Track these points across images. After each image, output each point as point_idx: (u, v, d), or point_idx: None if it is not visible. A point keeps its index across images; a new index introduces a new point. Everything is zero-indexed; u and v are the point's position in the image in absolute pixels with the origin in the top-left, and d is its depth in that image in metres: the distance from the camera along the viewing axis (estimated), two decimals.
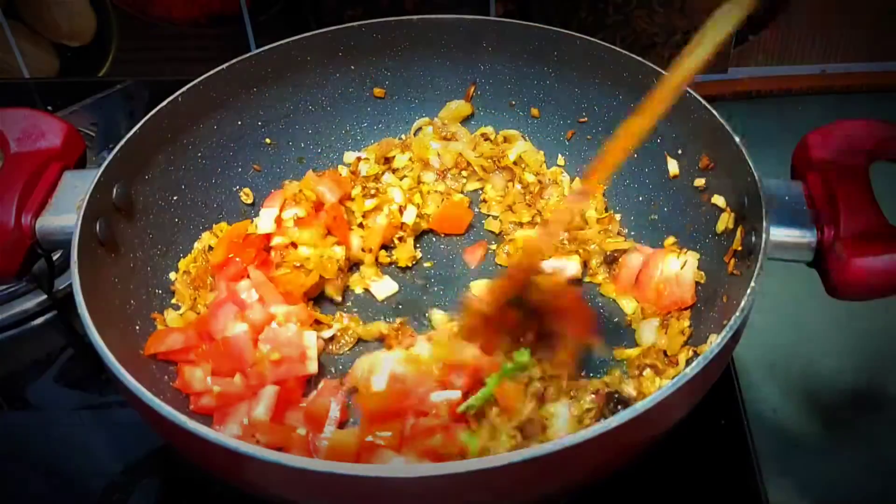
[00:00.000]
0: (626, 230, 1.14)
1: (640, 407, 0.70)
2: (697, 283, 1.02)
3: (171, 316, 1.03)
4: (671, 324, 1.00)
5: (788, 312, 1.13)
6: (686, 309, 1.02)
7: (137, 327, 0.98)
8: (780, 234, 0.88)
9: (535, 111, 1.23)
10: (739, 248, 0.94)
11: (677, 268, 1.02)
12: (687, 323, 1.00)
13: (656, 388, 0.93)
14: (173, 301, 1.06)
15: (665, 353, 0.98)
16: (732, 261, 0.95)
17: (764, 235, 0.86)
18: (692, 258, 1.02)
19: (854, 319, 1.12)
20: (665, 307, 1.02)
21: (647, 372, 0.96)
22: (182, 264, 1.08)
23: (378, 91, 1.24)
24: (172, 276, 1.07)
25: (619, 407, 0.89)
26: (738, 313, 0.79)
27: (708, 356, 0.75)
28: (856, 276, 0.86)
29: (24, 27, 1.54)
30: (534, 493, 0.74)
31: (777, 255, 0.89)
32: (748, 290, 0.81)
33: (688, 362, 0.94)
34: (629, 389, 0.93)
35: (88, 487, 0.98)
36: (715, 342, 0.77)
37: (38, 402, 1.09)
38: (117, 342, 0.85)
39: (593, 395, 0.90)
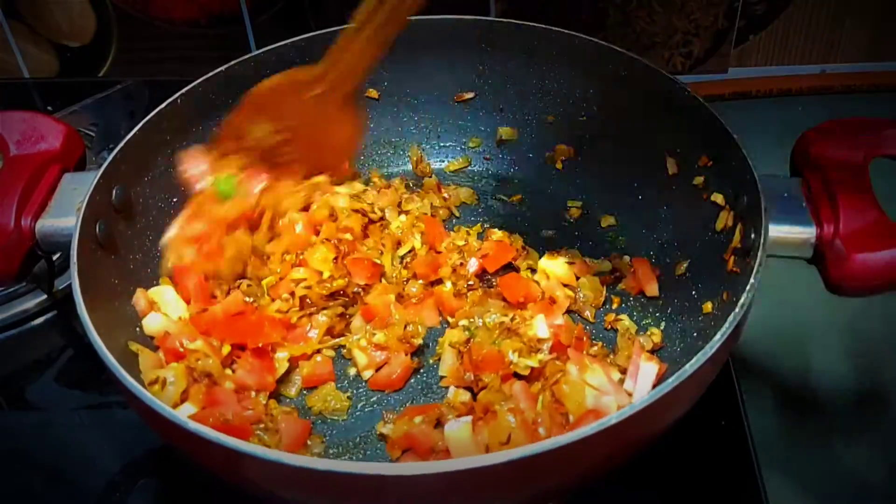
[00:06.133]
0: (625, 230, 1.15)
1: (638, 404, 0.70)
2: None
3: None
4: None
5: (788, 310, 1.13)
6: None
7: (137, 329, 0.98)
8: (779, 230, 0.88)
9: (534, 111, 1.23)
10: (739, 246, 0.94)
11: None
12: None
13: None
14: None
15: None
16: (732, 258, 0.95)
17: (763, 232, 0.86)
18: None
19: (854, 317, 1.12)
20: None
21: None
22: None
23: (374, 92, 1.24)
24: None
25: None
26: (737, 310, 0.79)
27: (707, 353, 0.75)
28: (855, 273, 0.86)
29: (24, 27, 1.54)
30: (532, 491, 0.74)
31: (776, 252, 0.89)
32: (748, 288, 0.81)
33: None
34: None
35: (88, 487, 0.98)
36: (714, 339, 0.77)
37: (38, 402, 1.09)
38: (117, 343, 0.85)
39: None
